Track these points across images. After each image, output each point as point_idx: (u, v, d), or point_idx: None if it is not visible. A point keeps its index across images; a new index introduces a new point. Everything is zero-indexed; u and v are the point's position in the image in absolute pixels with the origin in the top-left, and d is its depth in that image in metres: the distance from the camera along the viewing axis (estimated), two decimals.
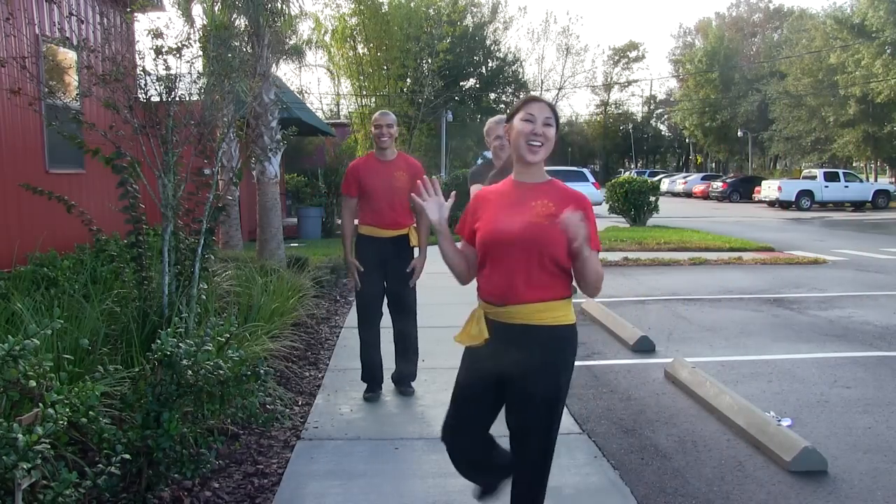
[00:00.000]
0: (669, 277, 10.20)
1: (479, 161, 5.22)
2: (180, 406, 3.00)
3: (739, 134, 48.39)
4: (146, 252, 4.68)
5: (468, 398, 2.63)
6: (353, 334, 5.08)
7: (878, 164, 42.24)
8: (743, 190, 34.56)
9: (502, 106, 45.20)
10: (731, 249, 13.32)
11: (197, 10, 10.32)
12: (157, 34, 4.63)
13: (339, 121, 24.43)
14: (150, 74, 4.69)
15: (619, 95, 67.09)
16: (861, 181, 31.62)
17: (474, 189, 4.71)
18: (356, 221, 4.77)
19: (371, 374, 4.80)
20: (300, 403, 4.64)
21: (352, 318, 6.65)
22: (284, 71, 42.73)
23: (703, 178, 41.30)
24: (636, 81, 70.86)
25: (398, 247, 4.67)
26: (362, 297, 4.76)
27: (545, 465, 2.57)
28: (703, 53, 52.52)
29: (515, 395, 2.52)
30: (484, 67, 45.87)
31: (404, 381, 4.85)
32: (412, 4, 20.27)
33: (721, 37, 53.19)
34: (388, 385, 4.91)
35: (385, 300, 4.81)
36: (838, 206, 29.25)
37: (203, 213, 4.72)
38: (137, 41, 6.79)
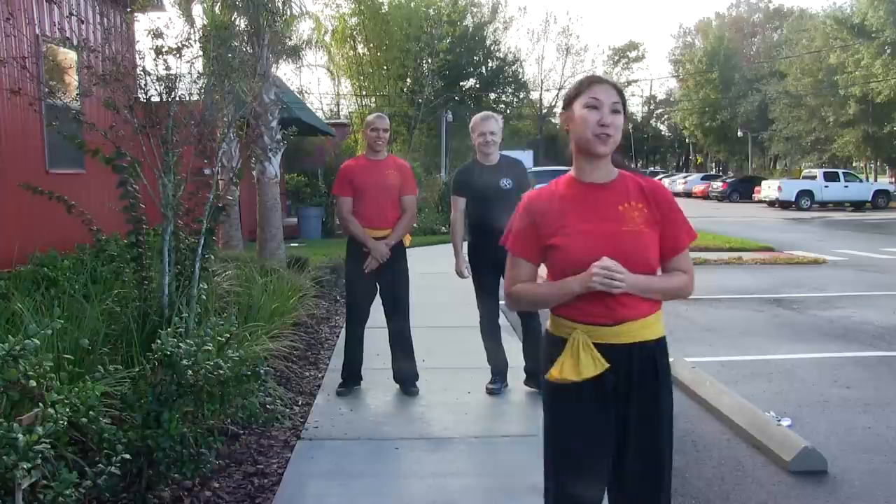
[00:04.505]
0: None
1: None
2: (180, 406, 3.00)
3: (739, 134, 48.36)
4: (146, 252, 4.68)
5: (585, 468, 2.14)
6: None
7: (878, 164, 42.23)
8: (743, 190, 34.58)
9: (502, 106, 45.14)
10: (731, 249, 13.32)
11: (197, 10, 10.30)
12: (158, 34, 4.62)
13: (339, 121, 24.40)
14: (150, 74, 4.68)
15: None
16: (861, 181, 31.63)
17: (460, 190, 4.71)
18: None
19: (350, 371, 4.87)
20: (300, 403, 4.64)
21: None
22: (284, 71, 42.71)
23: (703, 178, 41.32)
24: (636, 81, 70.62)
25: (390, 247, 4.71)
26: (355, 296, 4.85)
27: None
28: (703, 53, 52.53)
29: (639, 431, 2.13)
30: (484, 67, 45.81)
31: (408, 382, 4.86)
32: (412, 4, 20.28)
33: (721, 37, 53.16)
34: (388, 385, 4.92)
35: (380, 300, 4.86)
36: (838, 205, 29.24)
37: (203, 213, 4.71)
38: (137, 41, 6.80)
